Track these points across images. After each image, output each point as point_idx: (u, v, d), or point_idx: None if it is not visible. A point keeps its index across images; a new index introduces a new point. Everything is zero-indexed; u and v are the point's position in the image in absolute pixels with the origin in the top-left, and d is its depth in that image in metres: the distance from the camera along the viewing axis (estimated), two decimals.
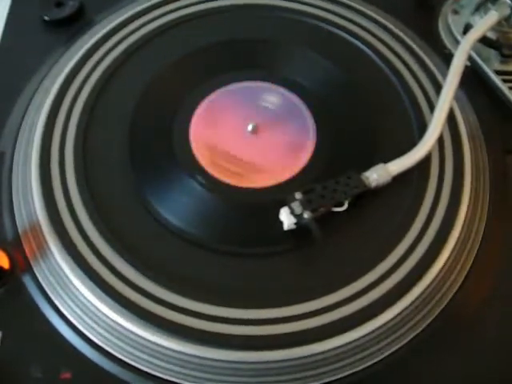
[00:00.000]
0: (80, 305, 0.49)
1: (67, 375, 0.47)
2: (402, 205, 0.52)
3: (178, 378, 0.47)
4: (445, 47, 0.65)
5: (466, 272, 0.52)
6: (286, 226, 0.50)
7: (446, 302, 0.50)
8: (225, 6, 0.65)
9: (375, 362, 0.48)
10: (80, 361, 0.48)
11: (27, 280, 0.51)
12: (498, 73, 0.61)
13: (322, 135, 0.56)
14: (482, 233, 0.54)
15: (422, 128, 0.55)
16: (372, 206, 0.53)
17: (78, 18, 0.66)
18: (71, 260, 0.49)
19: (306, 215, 0.49)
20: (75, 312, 0.49)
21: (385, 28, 0.63)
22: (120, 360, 0.48)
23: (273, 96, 0.59)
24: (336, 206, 0.51)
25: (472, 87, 0.61)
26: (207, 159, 0.55)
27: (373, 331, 0.47)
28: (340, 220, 0.51)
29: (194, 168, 0.54)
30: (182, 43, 0.62)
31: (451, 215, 0.52)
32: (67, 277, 0.49)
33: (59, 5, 0.67)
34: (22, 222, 0.53)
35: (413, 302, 0.48)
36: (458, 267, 0.51)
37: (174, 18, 0.64)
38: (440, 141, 0.55)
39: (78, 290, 0.49)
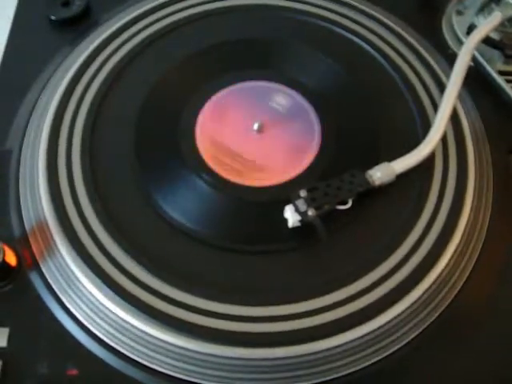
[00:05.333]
0: (87, 302, 0.49)
1: (73, 372, 0.48)
2: (406, 203, 0.53)
3: (181, 374, 0.48)
4: (448, 47, 0.65)
5: (468, 271, 0.52)
6: (290, 224, 0.50)
7: (448, 301, 0.50)
8: (230, 7, 0.65)
9: (376, 361, 0.48)
10: (86, 357, 0.48)
11: (34, 277, 0.51)
12: (501, 73, 0.62)
13: (326, 134, 0.56)
14: (485, 232, 0.54)
15: (426, 127, 0.55)
16: (376, 205, 0.53)
17: (85, 18, 0.67)
18: (78, 257, 0.50)
19: (311, 213, 0.49)
20: (82, 309, 0.49)
21: (389, 28, 0.64)
22: (126, 357, 0.48)
23: (278, 95, 0.59)
24: (340, 204, 0.51)
25: (475, 87, 0.61)
26: (213, 158, 0.55)
27: (374, 330, 0.48)
28: (344, 218, 0.52)
29: (200, 166, 0.54)
30: (187, 43, 0.62)
31: (455, 214, 0.52)
32: (74, 274, 0.50)
33: (66, 4, 0.67)
34: (29, 219, 0.53)
35: (416, 301, 0.49)
36: (461, 266, 0.51)
37: (179, 18, 0.64)
38: (444, 140, 0.55)
39: (84, 287, 0.49)
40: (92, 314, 0.49)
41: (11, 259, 0.51)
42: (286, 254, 0.51)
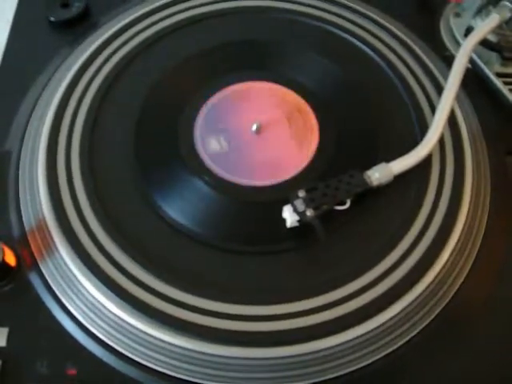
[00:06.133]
0: (86, 302, 0.49)
1: (72, 371, 0.48)
2: (404, 204, 0.53)
3: (180, 373, 0.48)
4: (446, 49, 0.65)
5: (466, 271, 0.52)
6: (288, 224, 0.51)
7: (446, 301, 0.51)
8: (226, 9, 0.66)
9: (375, 360, 0.48)
10: (85, 357, 0.48)
11: (33, 277, 0.51)
12: (498, 75, 0.62)
13: (324, 135, 0.57)
14: (482, 233, 0.54)
15: (424, 128, 0.56)
16: (374, 205, 0.53)
17: (84, 19, 0.67)
18: (77, 258, 0.50)
19: (309, 213, 0.50)
20: (81, 309, 0.49)
21: (387, 30, 0.64)
22: (125, 356, 0.48)
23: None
24: (338, 204, 0.51)
25: (473, 89, 0.61)
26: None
27: (373, 329, 0.48)
28: (342, 218, 0.52)
29: (199, 166, 0.55)
30: (186, 45, 0.63)
31: (452, 215, 0.52)
32: (73, 274, 0.50)
33: (65, 6, 0.67)
34: (28, 219, 0.54)
35: (413, 301, 0.49)
36: (459, 267, 0.52)
37: (178, 20, 0.65)
38: (441, 141, 0.55)
39: (83, 287, 0.49)
40: (91, 314, 0.49)
41: (10, 259, 0.51)
42: (285, 254, 0.51)
